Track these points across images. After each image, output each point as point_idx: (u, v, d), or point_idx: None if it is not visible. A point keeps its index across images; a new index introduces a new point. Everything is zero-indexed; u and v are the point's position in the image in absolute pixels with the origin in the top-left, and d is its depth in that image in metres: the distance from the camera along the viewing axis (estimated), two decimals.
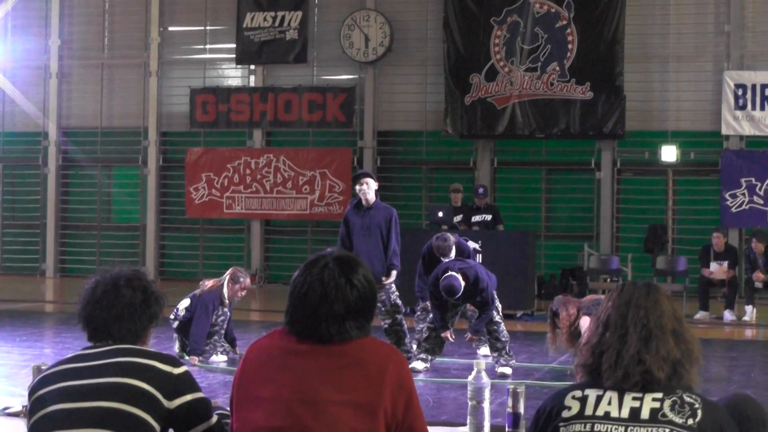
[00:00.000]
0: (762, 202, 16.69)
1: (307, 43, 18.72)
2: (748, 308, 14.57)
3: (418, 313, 10.51)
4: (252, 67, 19.26)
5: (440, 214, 14.53)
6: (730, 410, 2.97)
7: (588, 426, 2.79)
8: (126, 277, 3.37)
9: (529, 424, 2.98)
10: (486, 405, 3.71)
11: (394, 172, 18.77)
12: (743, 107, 16.69)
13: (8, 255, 20.60)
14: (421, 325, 10.15)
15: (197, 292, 10.01)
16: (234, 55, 19.17)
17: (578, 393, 2.86)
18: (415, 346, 9.85)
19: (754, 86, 16.67)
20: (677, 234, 17.59)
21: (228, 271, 10.10)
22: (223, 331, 10.03)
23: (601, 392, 2.83)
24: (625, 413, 2.78)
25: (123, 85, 20.06)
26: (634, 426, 2.75)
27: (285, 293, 3.12)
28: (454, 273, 9.11)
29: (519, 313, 14.09)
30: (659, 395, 2.79)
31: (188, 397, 3.16)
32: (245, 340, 10.34)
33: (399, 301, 9.87)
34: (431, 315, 9.65)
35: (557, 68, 17.21)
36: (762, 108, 16.62)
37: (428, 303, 9.78)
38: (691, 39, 17.38)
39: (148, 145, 19.71)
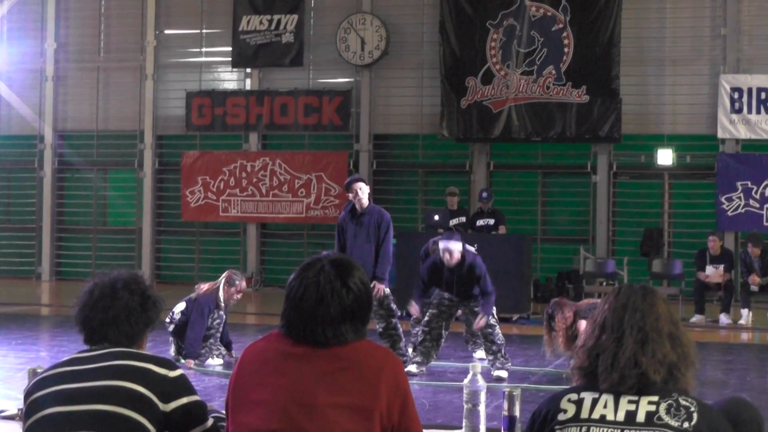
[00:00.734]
0: (758, 205, 16.70)
1: (303, 47, 18.71)
2: (744, 312, 14.57)
3: (412, 322, 10.52)
4: (248, 70, 19.25)
5: (436, 217, 14.52)
6: (726, 413, 2.97)
7: (584, 429, 2.79)
8: (124, 280, 3.37)
9: (525, 427, 2.98)
10: (482, 408, 3.70)
11: (390, 176, 18.76)
12: (739, 111, 16.70)
13: (4, 258, 20.54)
14: (416, 329, 10.15)
15: (193, 295, 10.00)
16: (230, 59, 19.15)
17: (574, 396, 2.86)
18: (410, 350, 9.85)
19: (750, 90, 16.69)
20: (673, 237, 17.60)
21: (224, 275, 10.09)
22: (218, 335, 10.03)
23: (596, 395, 2.83)
24: (620, 416, 2.78)
25: (119, 88, 20.03)
26: (630, 429, 2.75)
27: (281, 296, 3.12)
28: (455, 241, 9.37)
29: (515, 317, 14.08)
30: (655, 398, 2.79)
31: (184, 400, 3.16)
32: (241, 343, 10.32)
33: (394, 305, 9.85)
34: (426, 318, 9.65)
35: (553, 72, 17.20)
36: (758, 111, 16.63)
37: (417, 306, 9.78)
38: (687, 42, 17.39)
39: (144, 148, 19.69)
